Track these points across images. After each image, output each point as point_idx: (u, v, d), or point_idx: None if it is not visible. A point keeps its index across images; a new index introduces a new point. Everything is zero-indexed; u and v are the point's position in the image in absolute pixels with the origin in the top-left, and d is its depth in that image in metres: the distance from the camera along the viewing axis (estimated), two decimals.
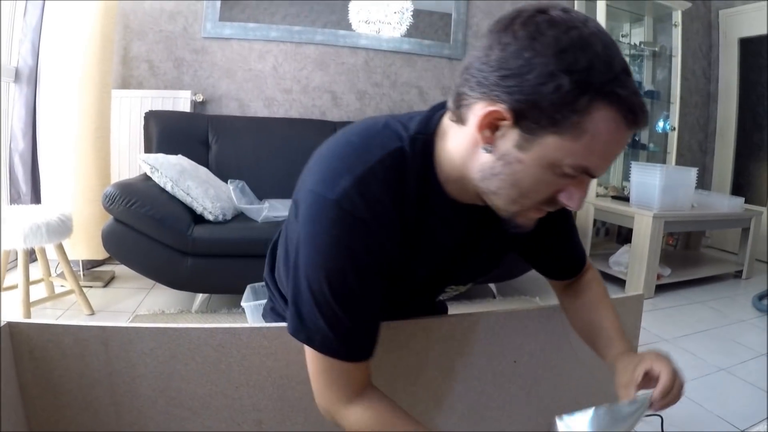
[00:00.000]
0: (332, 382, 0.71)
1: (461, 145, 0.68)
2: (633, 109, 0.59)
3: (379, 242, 0.68)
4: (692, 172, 3.15)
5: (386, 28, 3.45)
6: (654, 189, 2.98)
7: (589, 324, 0.92)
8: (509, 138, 0.62)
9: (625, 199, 3.31)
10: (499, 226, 0.76)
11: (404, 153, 0.70)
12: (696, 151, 4.56)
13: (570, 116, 0.58)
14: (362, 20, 3.40)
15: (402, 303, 0.84)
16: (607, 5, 3.52)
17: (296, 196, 0.73)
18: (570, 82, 0.56)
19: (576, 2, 3.75)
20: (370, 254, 0.67)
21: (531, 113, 0.59)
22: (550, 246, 0.92)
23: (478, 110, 0.63)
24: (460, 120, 0.67)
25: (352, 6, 3.36)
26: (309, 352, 0.71)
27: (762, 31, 3.95)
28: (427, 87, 3.62)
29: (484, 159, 0.66)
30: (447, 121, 0.71)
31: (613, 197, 3.49)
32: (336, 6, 3.34)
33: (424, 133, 0.71)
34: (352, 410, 0.71)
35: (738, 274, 3.61)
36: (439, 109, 0.75)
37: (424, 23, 3.52)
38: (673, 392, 0.73)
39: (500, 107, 0.60)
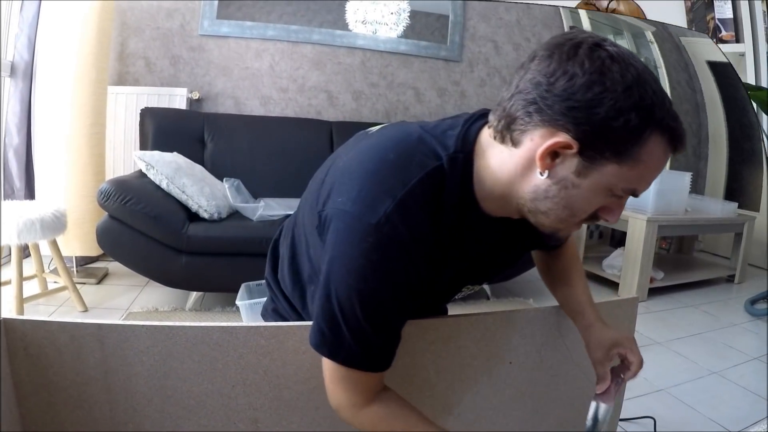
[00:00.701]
0: (350, 389, 0.72)
1: (509, 165, 0.68)
2: (680, 139, 0.64)
3: (415, 263, 0.68)
4: (686, 177, 3.16)
5: (383, 28, 3.45)
6: (648, 193, 2.97)
7: (562, 290, 0.99)
8: (568, 164, 0.64)
9: None
10: (525, 232, 0.78)
11: (443, 172, 0.69)
12: (689, 156, 4.57)
13: (632, 149, 0.61)
14: (359, 20, 3.40)
15: (420, 308, 0.85)
16: (590, 19, 3.54)
17: (321, 210, 0.72)
18: (636, 117, 0.59)
19: (561, 10, 3.75)
20: (407, 276, 0.68)
21: (596, 144, 0.61)
22: None
23: (537, 137, 0.63)
24: (510, 142, 0.67)
25: (349, 6, 3.36)
26: (328, 360, 0.71)
27: (722, 58, 3.93)
28: (424, 88, 3.62)
29: (538, 182, 0.66)
30: (486, 138, 0.71)
31: None
32: (333, 6, 3.34)
33: (462, 152, 0.71)
34: (366, 411, 0.73)
35: (730, 279, 3.62)
36: (472, 122, 0.74)
37: (421, 24, 3.52)
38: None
39: (565, 137, 0.61)
